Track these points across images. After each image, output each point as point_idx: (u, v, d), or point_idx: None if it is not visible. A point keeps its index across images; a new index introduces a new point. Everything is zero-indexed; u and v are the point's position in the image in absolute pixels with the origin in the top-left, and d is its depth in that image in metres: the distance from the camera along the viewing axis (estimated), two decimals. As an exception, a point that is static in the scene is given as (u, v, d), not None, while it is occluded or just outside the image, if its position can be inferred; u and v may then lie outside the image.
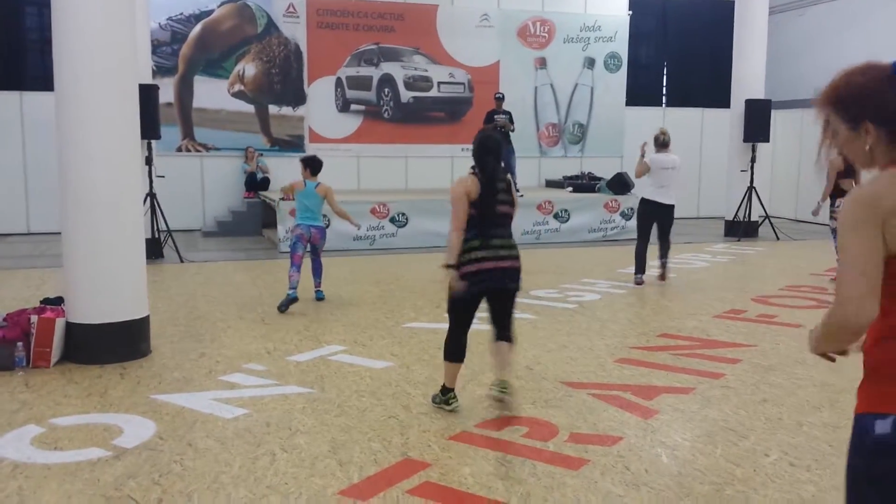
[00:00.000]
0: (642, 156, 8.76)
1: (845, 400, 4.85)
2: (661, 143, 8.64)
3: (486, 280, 4.37)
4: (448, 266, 4.43)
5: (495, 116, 12.36)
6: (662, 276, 8.84)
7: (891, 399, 1.84)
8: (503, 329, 4.57)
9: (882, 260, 1.82)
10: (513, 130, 12.44)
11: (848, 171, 9.07)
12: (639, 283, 8.67)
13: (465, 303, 4.46)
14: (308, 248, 7.66)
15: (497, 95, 12.79)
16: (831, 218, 9.41)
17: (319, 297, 7.84)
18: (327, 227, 8.32)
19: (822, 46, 16.37)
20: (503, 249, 4.42)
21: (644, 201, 8.74)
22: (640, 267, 8.72)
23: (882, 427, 1.82)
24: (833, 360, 2.04)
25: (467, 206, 4.41)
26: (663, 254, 8.82)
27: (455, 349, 4.57)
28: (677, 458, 3.96)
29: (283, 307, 7.29)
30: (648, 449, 4.06)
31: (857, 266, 1.82)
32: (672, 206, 8.66)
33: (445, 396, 4.59)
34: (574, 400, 4.81)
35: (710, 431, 4.31)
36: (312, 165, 7.70)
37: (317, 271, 7.85)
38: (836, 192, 9.24)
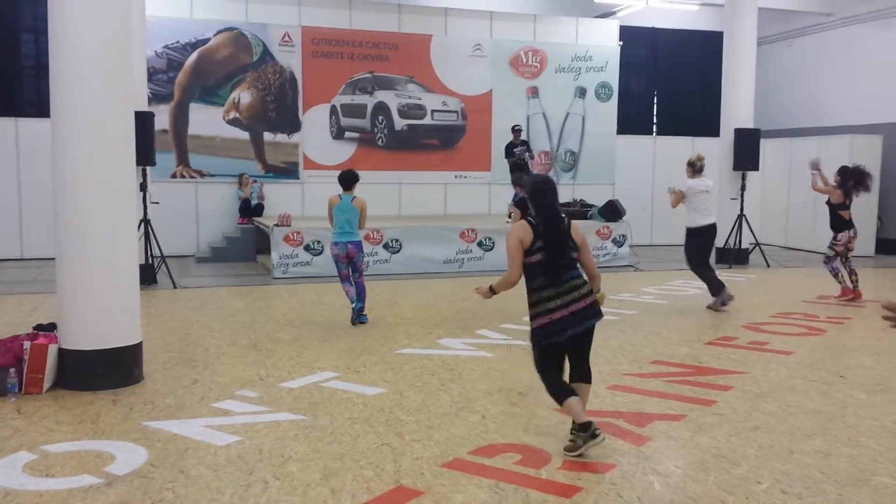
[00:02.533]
0: (672, 192, 8.94)
1: (837, 427, 4.87)
2: (698, 169, 8.88)
3: (563, 329, 4.31)
4: (490, 289, 4.57)
5: (515, 150, 12.79)
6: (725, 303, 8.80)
7: None
8: (582, 369, 4.52)
9: None
10: (532, 158, 12.91)
11: (847, 204, 9.32)
12: (725, 301, 8.69)
13: (549, 353, 4.41)
14: (349, 266, 7.89)
15: (516, 127, 13.25)
16: (829, 247, 9.52)
17: (362, 321, 7.93)
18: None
19: (809, 77, 16.62)
20: (573, 292, 4.34)
21: (693, 231, 8.85)
22: (718, 288, 8.74)
23: None
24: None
25: (522, 255, 4.36)
26: (714, 284, 8.78)
27: (562, 389, 4.40)
28: (669, 485, 3.97)
29: (353, 321, 7.84)
30: (641, 476, 4.06)
31: None
32: (715, 225, 8.94)
33: (587, 432, 4.28)
34: (567, 427, 4.80)
35: (702, 459, 4.33)
36: (345, 180, 7.90)
37: (360, 294, 7.95)
38: (836, 225, 9.42)
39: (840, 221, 9.45)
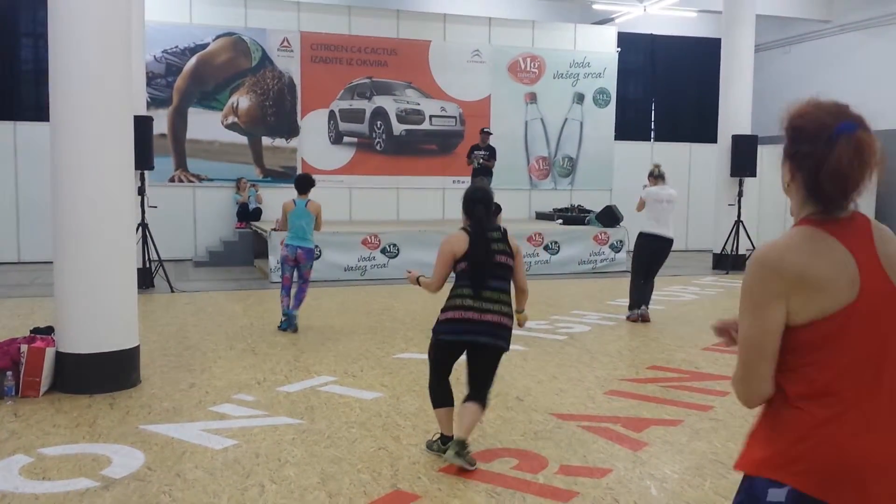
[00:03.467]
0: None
1: (832, 433, 4.87)
2: (656, 176, 8.64)
3: (465, 332, 4.16)
4: (416, 280, 4.45)
5: (475, 152, 12.47)
6: (646, 318, 8.54)
7: (788, 466, 1.72)
8: (478, 390, 4.27)
9: (780, 332, 1.73)
10: (490, 165, 12.45)
11: None
12: (633, 319, 8.55)
13: (441, 350, 4.30)
14: (294, 270, 7.78)
15: (484, 130, 12.94)
16: None
17: (285, 328, 7.74)
18: (318, 257, 8.37)
19: (807, 83, 16.66)
20: (491, 303, 4.18)
21: (642, 235, 8.58)
22: (636, 303, 8.60)
23: (776, 496, 1.71)
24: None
25: (450, 265, 4.27)
26: (646, 299, 8.61)
27: (438, 394, 4.35)
28: (666, 490, 3.97)
29: (282, 328, 7.72)
30: (638, 481, 4.07)
31: (754, 345, 1.75)
32: (671, 241, 8.53)
33: (445, 445, 4.25)
34: (564, 432, 4.83)
35: (698, 464, 4.33)
36: (300, 183, 7.86)
37: (298, 297, 7.84)
38: None
39: None
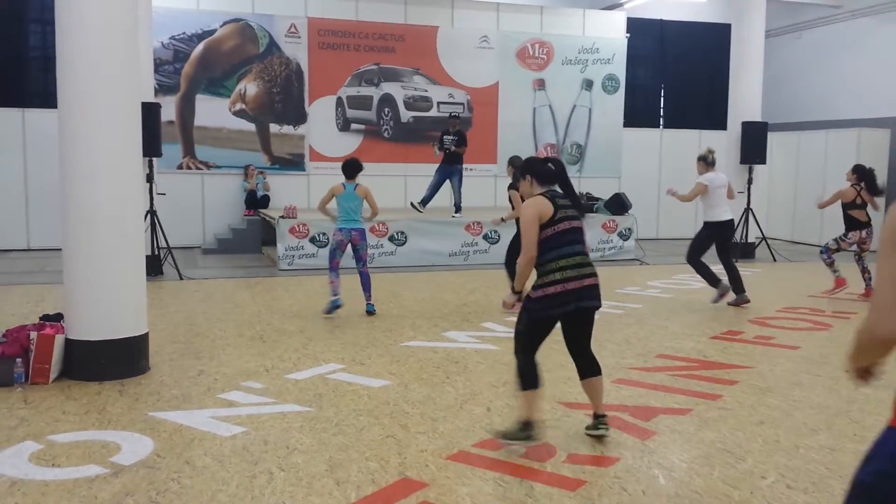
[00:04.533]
0: (673, 193, 8.77)
1: (842, 423, 4.86)
2: (710, 163, 8.70)
3: (570, 300, 4.20)
4: (515, 292, 4.43)
5: (444, 137, 12.05)
6: (745, 301, 8.67)
7: None
8: (588, 360, 4.41)
9: None
10: (460, 151, 12.07)
11: (858, 203, 9.13)
12: (723, 292, 8.57)
13: (543, 327, 4.28)
14: (352, 256, 7.88)
15: (452, 114, 12.64)
16: (835, 240, 9.40)
17: (370, 311, 7.96)
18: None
19: (818, 69, 16.53)
20: (585, 267, 4.28)
21: (711, 225, 8.65)
22: (715, 278, 8.63)
23: None
24: (868, 378, 2.00)
25: (538, 230, 4.24)
26: (739, 286, 8.67)
27: (533, 375, 4.27)
28: (674, 479, 3.96)
29: (327, 311, 7.80)
30: (646, 470, 4.06)
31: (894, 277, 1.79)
32: (734, 220, 8.88)
33: (527, 431, 4.21)
34: (572, 420, 4.82)
35: (707, 453, 4.32)
36: (348, 168, 7.91)
37: (365, 285, 7.98)
38: (848, 223, 9.25)
39: (851, 221, 9.24)
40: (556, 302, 4.21)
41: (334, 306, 7.85)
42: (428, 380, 5.67)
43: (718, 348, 6.85)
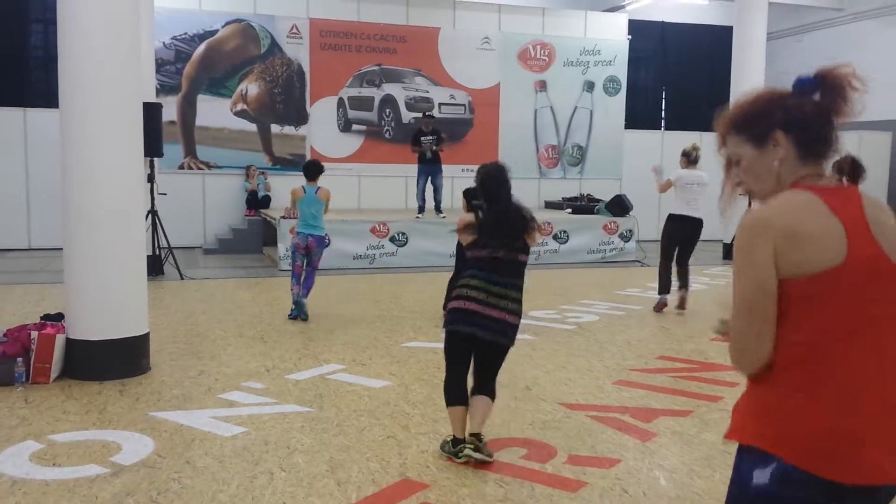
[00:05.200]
0: (656, 173, 8.65)
1: (843, 424, 4.85)
2: (692, 160, 8.53)
3: (465, 322, 3.98)
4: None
5: (422, 139, 11.89)
6: (682, 305, 8.44)
7: (778, 440, 1.69)
8: (483, 382, 4.14)
9: (775, 291, 1.70)
10: (441, 150, 12.01)
11: None
12: (662, 304, 8.43)
13: (451, 342, 4.12)
14: (304, 259, 7.76)
15: (427, 114, 12.48)
16: None
17: (301, 317, 7.70)
18: (328, 244, 8.35)
19: (819, 72, 16.52)
20: (497, 298, 3.98)
21: (671, 217, 8.50)
22: (665, 286, 8.48)
23: (760, 478, 1.70)
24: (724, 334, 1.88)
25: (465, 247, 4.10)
26: (683, 283, 8.47)
27: (449, 391, 4.13)
28: (675, 481, 3.96)
29: (291, 316, 7.72)
30: (646, 472, 4.06)
31: (746, 303, 1.72)
32: (700, 221, 8.42)
33: (456, 448, 4.08)
34: (572, 422, 4.82)
35: (708, 455, 4.32)
36: (309, 170, 7.82)
37: (306, 283, 7.81)
38: None
39: None
40: (456, 318, 4.02)
41: (297, 310, 7.71)
42: (429, 380, 5.67)
43: (719, 350, 6.84)
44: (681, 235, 8.50)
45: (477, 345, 4.07)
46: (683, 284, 8.54)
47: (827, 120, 1.79)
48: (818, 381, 1.69)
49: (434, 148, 11.89)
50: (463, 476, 3.95)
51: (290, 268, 7.87)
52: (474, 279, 4.04)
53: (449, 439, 4.21)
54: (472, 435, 4.08)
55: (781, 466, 1.68)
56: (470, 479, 3.90)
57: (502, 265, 4.04)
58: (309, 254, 7.74)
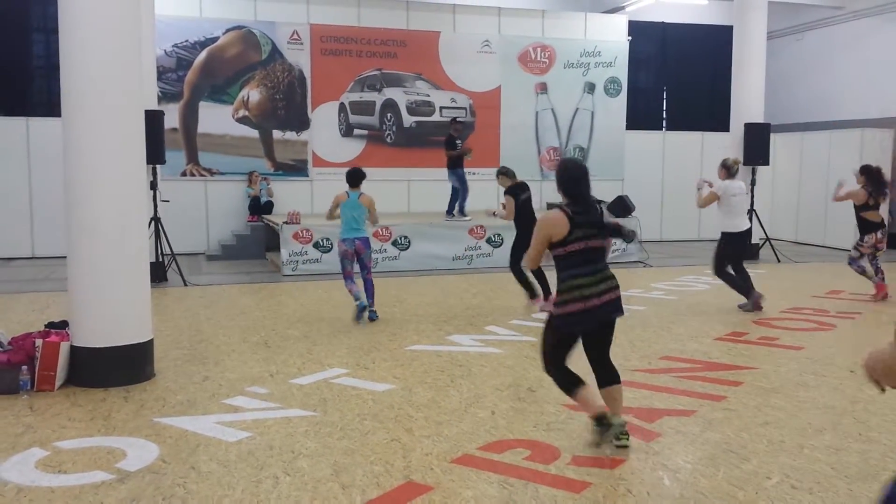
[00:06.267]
0: (699, 188, 8.72)
1: (847, 423, 4.85)
2: (733, 173, 8.60)
3: (591, 318, 4.25)
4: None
5: (458, 142, 12.16)
6: (759, 305, 8.50)
7: None
8: (608, 369, 4.42)
9: None
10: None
11: (871, 204, 9.00)
12: (759, 298, 8.46)
13: (567, 342, 4.34)
14: (356, 263, 7.90)
15: (457, 118, 12.71)
16: (854, 248, 9.29)
17: (372, 318, 7.94)
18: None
19: (820, 70, 16.52)
20: (603, 283, 4.28)
21: (727, 236, 8.55)
22: (749, 287, 8.52)
23: None
24: (883, 391, 1.84)
25: (547, 246, 4.33)
26: (749, 285, 8.53)
27: (573, 379, 4.34)
28: (679, 480, 3.96)
29: (357, 318, 7.86)
30: (650, 472, 4.06)
31: None
32: (749, 230, 8.79)
33: (601, 425, 4.29)
34: (576, 423, 4.82)
35: (711, 454, 4.32)
36: (352, 177, 7.95)
37: (369, 291, 7.98)
38: (862, 227, 9.14)
39: (865, 224, 9.07)
40: (578, 319, 4.26)
41: (360, 309, 7.87)
42: (432, 383, 5.68)
43: (723, 349, 6.84)
44: (744, 250, 8.72)
45: (595, 332, 4.34)
46: (749, 287, 8.63)
47: None
48: None
49: (469, 154, 12.27)
50: (467, 478, 3.95)
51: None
52: (581, 277, 4.25)
53: (594, 428, 4.33)
54: (619, 424, 4.29)
55: None
56: (473, 482, 3.91)
57: (597, 253, 4.33)
58: (359, 257, 7.85)
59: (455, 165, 12.17)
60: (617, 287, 4.35)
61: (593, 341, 4.42)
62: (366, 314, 7.88)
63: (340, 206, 7.90)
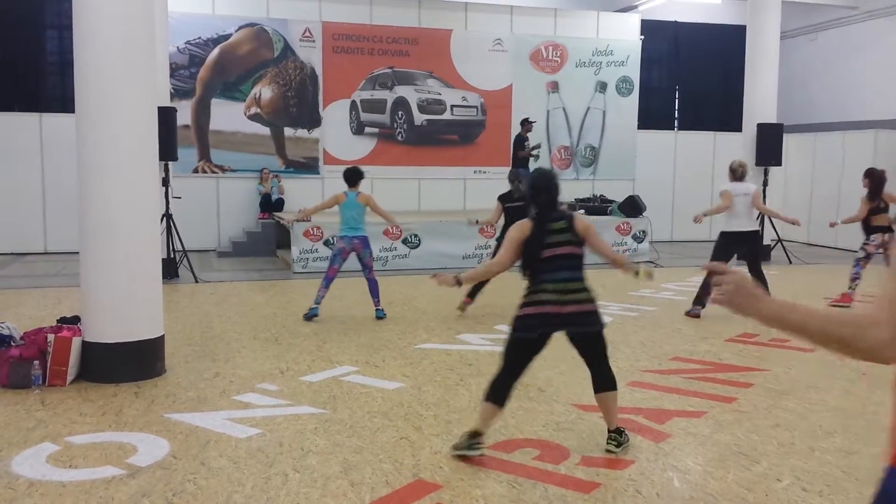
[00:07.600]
0: (704, 216, 8.61)
1: (858, 425, 4.82)
2: (739, 177, 8.47)
3: (545, 325, 4.14)
4: (457, 281, 4.36)
5: (526, 143, 12.38)
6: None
7: None
8: (602, 375, 4.31)
9: None
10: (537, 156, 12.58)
11: (882, 207, 8.93)
12: (695, 314, 8.33)
13: (519, 347, 4.22)
14: (359, 264, 7.93)
15: (530, 120, 12.83)
16: (861, 248, 9.22)
17: (379, 316, 7.97)
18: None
19: (833, 70, 16.41)
20: (569, 294, 4.15)
21: (725, 234, 8.43)
22: (700, 299, 8.34)
23: None
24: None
25: (516, 251, 4.25)
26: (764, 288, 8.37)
27: (496, 390, 4.20)
28: (689, 482, 3.95)
29: (305, 317, 7.80)
30: (660, 473, 4.05)
31: None
32: (757, 232, 8.54)
33: (472, 441, 4.14)
34: (586, 423, 4.81)
35: (721, 456, 4.30)
36: (350, 176, 7.95)
37: (373, 291, 8.00)
38: (869, 228, 9.08)
39: (872, 227, 8.97)
40: (529, 323, 4.15)
41: (311, 315, 7.83)
42: (442, 382, 5.68)
43: (733, 351, 6.81)
44: (734, 251, 8.52)
45: (573, 342, 4.29)
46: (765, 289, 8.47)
47: None
48: None
49: (536, 152, 12.49)
50: (476, 477, 3.95)
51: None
52: (546, 283, 4.18)
53: (465, 437, 4.20)
54: (611, 432, 4.29)
55: None
56: (483, 480, 3.91)
57: (566, 260, 4.24)
58: (359, 256, 7.87)
59: (520, 165, 12.25)
60: (587, 301, 4.20)
61: (581, 350, 4.33)
62: (314, 320, 7.81)
63: (340, 205, 7.89)
